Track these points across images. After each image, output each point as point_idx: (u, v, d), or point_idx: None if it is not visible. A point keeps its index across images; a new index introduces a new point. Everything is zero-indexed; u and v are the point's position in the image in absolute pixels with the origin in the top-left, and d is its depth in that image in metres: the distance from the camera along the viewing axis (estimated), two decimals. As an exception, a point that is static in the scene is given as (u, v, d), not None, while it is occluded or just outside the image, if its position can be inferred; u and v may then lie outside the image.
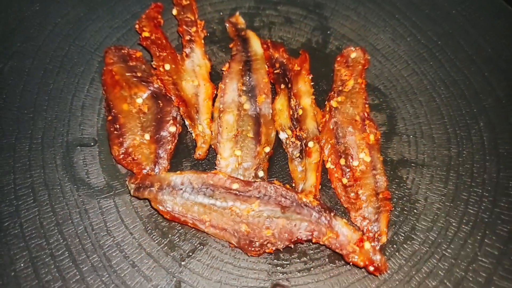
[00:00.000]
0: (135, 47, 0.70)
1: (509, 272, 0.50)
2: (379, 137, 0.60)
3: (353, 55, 0.66)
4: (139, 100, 0.62)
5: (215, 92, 0.64)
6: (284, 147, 0.60)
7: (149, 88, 0.63)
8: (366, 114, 0.60)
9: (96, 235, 0.54)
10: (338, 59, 0.67)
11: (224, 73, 0.64)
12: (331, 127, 0.59)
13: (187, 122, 0.60)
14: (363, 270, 0.51)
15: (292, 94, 0.63)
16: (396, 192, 0.57)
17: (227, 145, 0.58)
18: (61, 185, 0.57)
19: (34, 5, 0.70)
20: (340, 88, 0.63)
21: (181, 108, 0.60)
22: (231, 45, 0.68)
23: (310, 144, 0.57)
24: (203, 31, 0.69)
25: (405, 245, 0.53)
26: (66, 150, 0.60)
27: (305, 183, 0.56)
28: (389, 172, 0.59)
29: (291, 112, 0.61)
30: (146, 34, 0.66)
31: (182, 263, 0.52)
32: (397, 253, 0.52)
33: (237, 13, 0.72)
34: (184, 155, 0.61)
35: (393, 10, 0.72)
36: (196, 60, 0.66)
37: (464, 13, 0.71)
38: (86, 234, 0.54)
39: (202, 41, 0.68)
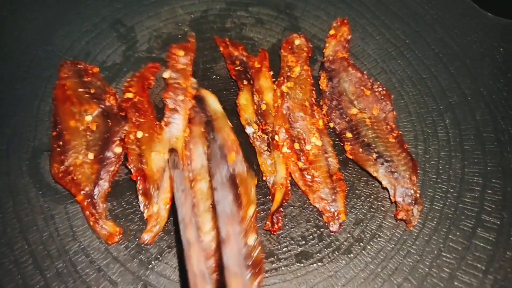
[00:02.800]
0: (104, 50, 0.70)
1: (472, 267, 0.50)
2: (327, 122, 0.61)
3: (297, 41, 0.68)
4: (89, 118, 0.59)
5: None
6: (251, 141, 0.60)
7: (100, 105, 0.61)
8: (313, 100, 0.62)
9: (61, 241, 0.53)
10: (284, 45, 0.68)
11: (185, 139, 0.60)
12: (284, 112, 0.60)
13: (140, 199, 0.55)
14: (329, 269, 0.51)
15: (254, 90, 0.63)
16: (364, 190, 0.57)
17: (206, 217, 0.54)
18: (26, 190, 0.56)
19: (1, 9, 0.70)
20: (288, 74, 0.64)
21: (137, 183, 0.55)
22: (188, 109, 0.63)
23: (276, 137, 0.58)
24: (191, 101, 0.62)
25: (371, 243, 0.53)
26: (32, 156, 0.59)
27: (276, 175, 0.56)
28: (356, 170, 0.59)
29: (255, 107, 0.61)
30: (129, 95, 0.62)
31: (149, 266, 0.52)
32: (363, 251, 0.53)
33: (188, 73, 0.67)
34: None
35: (363, 9, 0.73)
36: (175, 131, 0.60)
37: (432, 11, 0.71)
38: (51, 240, 0.53)
39: (187, 112, 0.62)
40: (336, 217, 0.54)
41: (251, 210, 0.53)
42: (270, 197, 0.57)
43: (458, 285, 0.49)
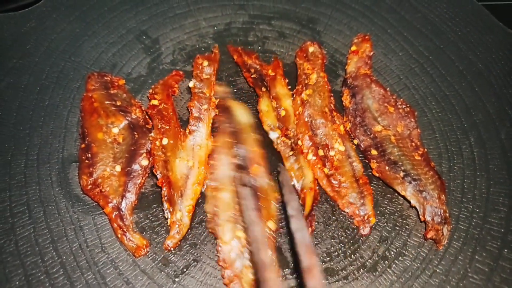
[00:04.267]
0: (130, 62, 0.71)
1: (499, 288, 0.50)
2: (347, 128, 0.64)
3: (311, 49, 0.70)
4: (115, 130, 0.61)
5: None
6: (276, 147, 0.61)
7: (127, 118, 0.62)
8: (332, 106, 0.64)
9: (90, 252, 0.54)
10: (298, 53, 0.70)
11: (213, 148, 0.61)
12: (306, 119, 0.61)
13: (165, 205, 0.56)
14: (354, 287, 0.52)
15: (271, 97, 0.65)
16: (388, 207, 0.58)
17: (227, 227, 0.54)
18: (56, 201, 0.58)
19: (30, 21, 0.71)
20: (306, 82, 0.66)
21: (163, 189, 0.56)
22: (213, 117, 0.64)
23: (299, 142, 0.60)
24: (214, 110, 0.64)
25: (396, 261, 0.53)
26: (61, 167, 0.60)
27: (304, 179, 0.58)
28: (381, 187, 0.59)
29: (275, 113, 0.63)
30: (154, 102, 0.63)
31: (176, 279, 0.53)
32: (388, 269, 0.53)
33: (216, 82, 0.68)
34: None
35: (385, 25, 0.73)
36: (198, 139, 0.62)
37: (455, 28, 0.72)
38: (80, 251, 0.54)
39: (211, 121, 0.63)
40: (367, 220, 0.56)
41: (271, 224, 0.54)
42: (301, 201, 0.57)
43: (485, 306, 0.49)
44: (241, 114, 0.64)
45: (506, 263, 0.52)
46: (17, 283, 0.51)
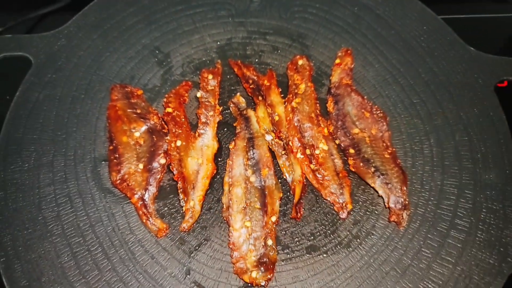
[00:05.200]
0: (146, 75, 0.83)
1: (445, 261, 0.63)
2: (331, 130, 0.76)
3: (300, 61, 0.81)
4: (137, 134, 0.73)
5: (214, 172, 0.72)
6: (271, 147, 0.74)
7: (146, 123, 0.75)
8: (318, 111, 0.76)
9: (122, 234, 0.67)
10: (289, 65, 0.82)
11: (231, 150, 0.74)
12: (295, 124, 0.74)
13: (180, 196, 0.69)
14: (332, 259, 0.65)
15: (267, 104, 0.77)
16: (362, 196, 0.71)
17: (238, 216, 0.67)
18: (92, 193, 0.70)
19: (60, 40, 0.83)
20: (296, 91, 0.78)
21: (178, 183, 0.69)
22: (235, 124, 0.77)
23: (290, 143, 0.73)
24: (219, 116, 0.77)
25: (366, 239, 0.67)
26: (94, 165, 0.73)
27: (294, 174, 0.71)
28: (356, 180, 0.72)
29: (270, 118, 0.76)
30: (169, 110, 0.75)
31: (191, 255, 0.66)
32: (359, 246, 0.66)
33: (238, 94, 0.81)
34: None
35: (364, 40, 0.85)
36: (206, 141, 0.74)
37: (423, 44, 0.83)
38: (114, 233, 0.67)
39: (216, 125, 0.76)
40: (345, 207, 0.68)
41: (273, 218, 0.67)
42: (291, 192, 0.71)
43: (433, 273, 0.62)
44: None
45: (452, 241, 0.65)
46: (65, 258, 0.64)
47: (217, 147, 0.75)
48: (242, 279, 0.63)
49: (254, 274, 0.63)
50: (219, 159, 0.75)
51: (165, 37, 0.86)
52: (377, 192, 0.69)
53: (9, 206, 0.68)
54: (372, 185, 0.69)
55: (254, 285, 0.63)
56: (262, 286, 0.63)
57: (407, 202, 0.67)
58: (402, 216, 0.66)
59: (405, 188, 0.67)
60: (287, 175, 0.73)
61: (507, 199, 0.67)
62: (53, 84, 0.79)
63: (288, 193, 0.72)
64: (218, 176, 0.73)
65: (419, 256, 0.64)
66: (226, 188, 0.71)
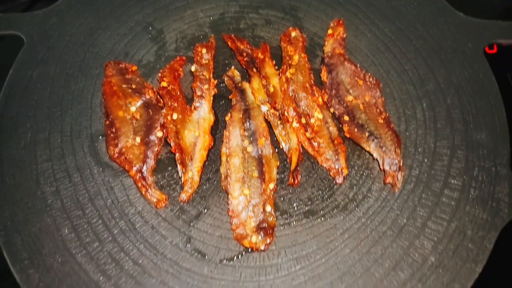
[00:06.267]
0: (140, 51, 0.83)
1: (440, 218, 0.65)
2: (325, 99, 0.76)
3: (293, 33, 0.82)
4: (133, 108, 0.73)
5: (212, 144, 0.73)
6: (266, 117, 0.75)
7: (142, 98, 0.75)
8: (312, 82, 0.77)
9: (121, 206, 0.68)
10: (282, 37, 0.83)
11: (227, 122, 0.74)
12: (290, 94, 0.75)
13: (179, 167, 0.69)
14: (330, 222, 0.66)
15: (262, 76, 0.78)
16: (358, 161, 0.72)
17: (236, 185, 0.68)
18: (90, 168, 0.71)
19: (52, 18, 0.83)
20: (290, 62, 0.78)
21: (176, 154, 0.70)
22: (230, 96, 0.78)
23: (286, 113, 0.73)
24: (214, 89, 0.77)
25: (362, 202, 0.68)
26: (91, 140, 0.73)
27: (290, 143, 0.72)
28: (352, 146, 0.73)
29: (265, 90, 0.77)
30: (164, 84, 0.76)
31: (191, 224, 0.67)
32: (356, 208, 0.67)
33: (232, 67, 0.81)
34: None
35: (356, 11, 0.85)
36: (202, 114, 0.75)
37: (413, 11, 0.84)
38: (113, 205, 0.68)
39: (211, 98, 0.76)
40: (341, 172, 0.69)
41: (271, 186, 0.68)
42: (288, 160, 0.72)
43: (428, 231, 0.64)
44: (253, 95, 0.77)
45: (445, 199, 0.66)
46: (66, 231, 0.65)
47: (213, 120, 0.75)
48: (242, 245, 0.64)
49: (254, 239, 0.64)
50: (216, 132, 0.76)
51: (158, 13, 0.86)
52: (372, 156, 0.70)
53: (7, 182, 0.68)
54: (367, 149, 0.70)
55: (254, 249, 0.64)
56: (262, 250, 0.64)
57: (401, 164, 0.68)
58: (397, 178, 0.67)
59: (399, 151, 0.69)
60: (283, 144, 0.73)
61: (498, 157, 0.68)
62: (47, 62, 0.79)
63: (285, 162, 0.73)
64: (215, 148, 0.74)
65: (414, 216, 0.66)
66: (223, 158, 0.71)
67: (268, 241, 0.64)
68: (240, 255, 0.64)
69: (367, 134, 0.71)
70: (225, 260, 0.64)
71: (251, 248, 0.64)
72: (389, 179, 0.68)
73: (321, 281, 0.61)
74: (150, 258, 0.63)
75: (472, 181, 0.67)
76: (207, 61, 0.81)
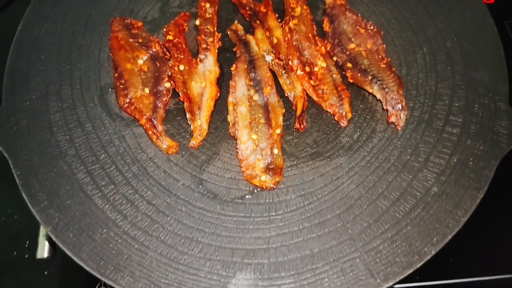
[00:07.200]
0: (144, 8, 0.84)
1: (442, 152, 0.67)
2: (328, 48, 0.78)
3: None
4: (140, 61, 0.75)
5: (218, 94, 0.74)
6: (271, 67, 0.76)
7: (148, 51, 0.77)
8: (315, 32, 0.79)
9: (133, 153, 0.70)
10: None
11: (232, 72, 0.76)
12: (294, 43, 0.76)
13: (187, 116, 0.71)
14: (336, 162, 0.69)
15: (265, 29, 0.80)
16: (361, 105, 0.74)
17: (244, 131, 0.70)
18: (101, 118, 0.73)
19: (56, -24, 0.84)
20: (292, 14, 0.80)
21: (184, 104, 0.72)
22: (235, 49, 0.80)
23: (290, 63, 0.74)
24: (218, 42, 0.79)
25: (367, 142, 0.70)
26: (100, 92, 0.75)
27: (295, 91, 0.74)
28: (355, 91, 0.75)
29: (268, 41, 0.78)
30: (169, 37, 0.78)
31: (202, 167, 0.69)
32: (361, 148, 0.70)
33: (236, 22, 0.83)
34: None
35: (356, -38, 0.87)
36: (208, 66, 0.76)
37: (413, -39, 0.86)
38: (125, 152, 0.70)
39: (216, 51, 0.78)
40: (345, 116, 0.71)
41: (278, 131, 0.70)
42: (293, 107, 0.74)
43: (431, 164, 0.66)
44: (257, 46, 0.79)
45: (447, 135, 0.69)
46: (81, 175, 0.67)
47: (219, 72, 0.77)
48: (252, 184, 0.67)
49: (263, 178, 0.67)
50: (222, 83, 0.78)
51: (160, -30, 0.87)
52: (375, 97, 0.72)
53: (21, 130, 0.70)
54: (370, 91, 0.72)
55: (263, 188, 0.67)
56: (272, 188, 0.66)
57: (404, 104, 0.70)
58: (400, 116, 0.69)
59: (401, 91, 0.71)
60: (288, 93, 0.75)
61: (497, 93, 0.71)
62: (53, 18, 0.80)
63: (291, 110, 0.75)
64: (222, 99, 0.76)
65: (417, 152, 0.68)
66: (230, 107, 0.73)
67: (277, 179, 0.66)
68: (250, 194, 0.67)
69: (370, 77, 0.73)
70: (236, 199, 0.66)
71: (261, 187, 0.67)
72: (392, 118, 0.70)
73: (329, 214, 0.64)
74: (163, 198, 0.66)
75: (473, 117, 0.69)
76: (210, 15, 0.82)
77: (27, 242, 0.74)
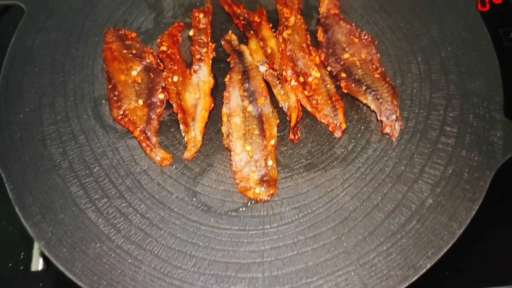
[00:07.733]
0: (138, 18, 0.84)
1: (437, 163, 0.67)
2: (322, 58, 0.78)
3: None
4: (134, 73, 0.75)
5: (212, 105, 0.74)
6: (265, 77, 0.76)
7: (142, 63, 0.76)
8: (308, 42, 0.78)
9: (127, 165, 0.69)
10: (278, 0, 0.84)
11: (226, 83, 0.76)
12: (288, 54, 0.76)
13: (181, 127, 0.71)
14: (330, 173, 0.68)
15: (259, 39, 0.80)
16: (355, 116, 0.74)
17: (238, 142, 0.70)
18: (95, 130, 0.72)
19: (50, -13, 0.84)
20: (286, 23, 0.80)
21: (178, 115, 0.71)
22: (229, 59, 0.79)
23: (284, 73, 0.74)
24: (212, 53, 0.79)
25: (361, 153, 0.70)
26: (94, 104, 0.75)
27: (289, 101, 0.74)
28: (349, 102, 0.75)
29: (262, 51, 0.78)
30: (163, 48, 0.77)
31: (196, 179, 0.69)
32: (355, 159, 0.69)
33: (230, 32, 0.83)
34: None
35: (350, -28, 0.87)
36: (202, 76, 0.76)
37: (406, -30, 0.86)
38: (119, 165, 0.69)
39: (210, 61, 0.78)
40: (339, 127, 0.71)
41: (272, 142, 0.70)
42: (287, 118, 0.74)
43: (426, 175, 0.66)
44: (251, 56, 0.79)
45: (442, 146, 0.68)
46: (75, 188, 0.66)
47: (213, 83, 0.77)
48: (246, 196, 0.66)
49: (257, 190, 0.66)
50: (216, 94, 0.77)
51: (154, -20, 0.87)
52: (369, 108, 0.72)
53: (15, 143, 0.69)
54: (364, 101, 0.72)
55: (258, 200, 0.66)
56: (266, 200, 0.66)
57: (398, 114, 0.70)
58: (394, 127, 0.69)
59: (395, 101, 0.71)
60: (282, 104, 0.75)
61: (492, 103, 0.70)
62: (47, 30, 0.80)
63: (285, 120, 0.74)
64: (216, 110, 0.76)
65: (412, 162, 0.68)
66: (224, 118, 0.73)
67: (272, 191, 0.66)
68: (244, 207, 0.66)
69: (364, 88, 0.73)
70: (230, 212, 0.66)
71: (255, 200, 0.66)
72: (386, 129, 0.70)
73: (324, 226, 0.64)
74: (157, 212, 0.65)
75: (468, 127, 0.69)
76: (204, 26, 0.82)
77: (22, 254, 0.74)
